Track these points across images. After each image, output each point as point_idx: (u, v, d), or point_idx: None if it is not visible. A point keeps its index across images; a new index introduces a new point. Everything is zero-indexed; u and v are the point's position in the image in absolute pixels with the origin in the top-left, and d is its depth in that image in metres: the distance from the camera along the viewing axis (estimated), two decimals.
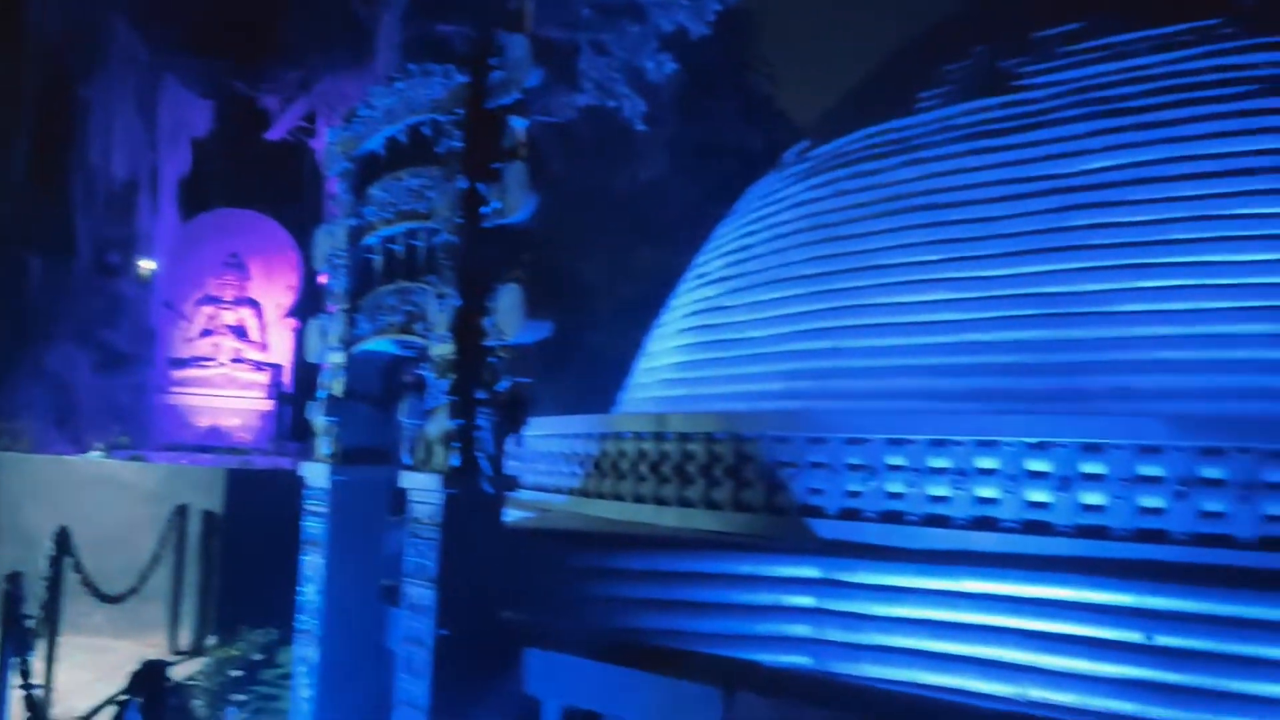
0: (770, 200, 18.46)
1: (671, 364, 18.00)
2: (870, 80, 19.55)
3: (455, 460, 8.13)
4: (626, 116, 28.56)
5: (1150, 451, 9.45)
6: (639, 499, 13.00)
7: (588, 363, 26.30)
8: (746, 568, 10.97)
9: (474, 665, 8.22)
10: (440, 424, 8.29)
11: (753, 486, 11.83)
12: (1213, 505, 9.20)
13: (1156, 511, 9.42)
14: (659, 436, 12.95)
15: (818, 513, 11.20)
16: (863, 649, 10.39)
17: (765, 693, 7.97)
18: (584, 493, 13.98)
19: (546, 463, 15.05)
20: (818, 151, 18.16)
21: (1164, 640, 9.02)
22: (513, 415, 8.40)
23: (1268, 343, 11.32)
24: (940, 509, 10.53)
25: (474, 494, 8.14)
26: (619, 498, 13.35)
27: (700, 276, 19.14)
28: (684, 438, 12.59)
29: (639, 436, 13.25)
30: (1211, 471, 9.22)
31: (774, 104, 35.37)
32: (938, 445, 10.59)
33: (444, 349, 8.30)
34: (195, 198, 23.71)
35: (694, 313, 18.28)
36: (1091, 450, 9.72)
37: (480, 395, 8.23)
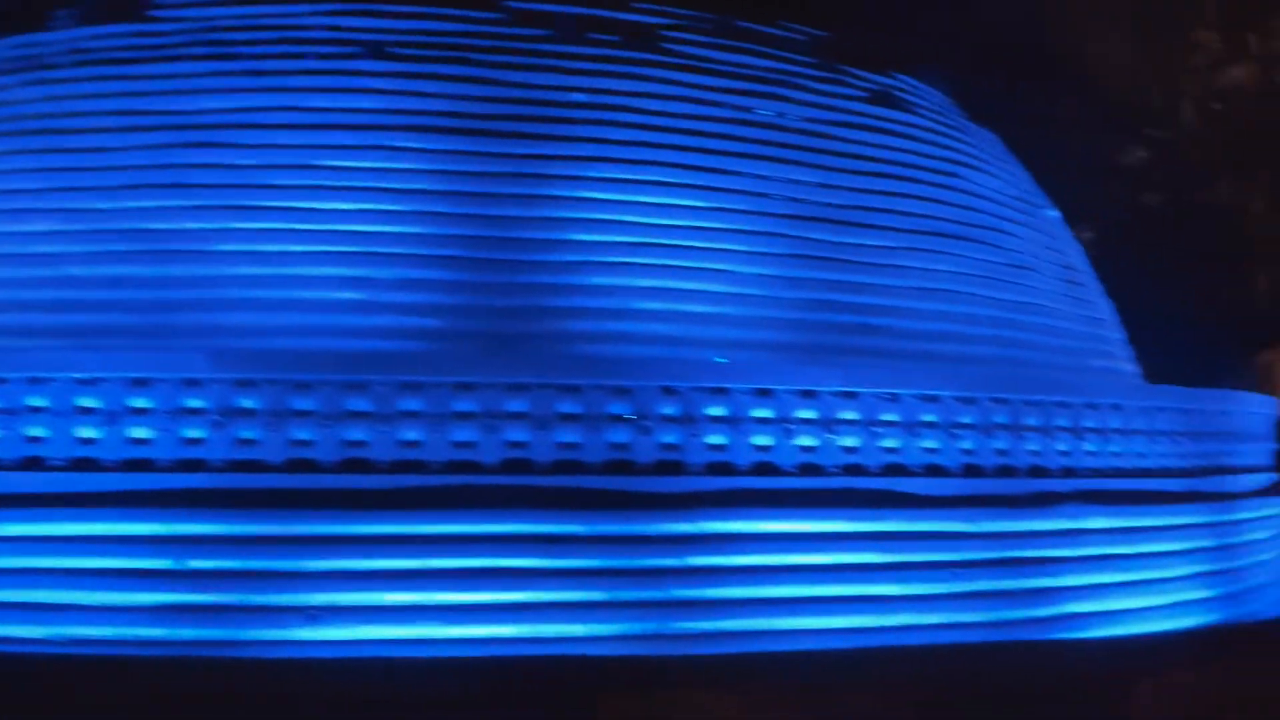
0: None
1: None
2: None
3: None
4: None
5: (193, 385, 9.76)
6: None
7: None
8: None
9: None
10: None
11: None
12: (247, 433, 9.78)
13: (197, 442, 9.77)
14: None
15: None
16: None
17: None
18: None
19: None
20: None
21: (195, 564, 9.46)
22: None
23: (341, 285, 12.40)
24: None
25: None
26: None
27: None
28: None
29: None
30: (247, 401, 9.79)
31: None
32: None
33: None
34: None
35: None
36: (139, 385, 9.77)
37: None
